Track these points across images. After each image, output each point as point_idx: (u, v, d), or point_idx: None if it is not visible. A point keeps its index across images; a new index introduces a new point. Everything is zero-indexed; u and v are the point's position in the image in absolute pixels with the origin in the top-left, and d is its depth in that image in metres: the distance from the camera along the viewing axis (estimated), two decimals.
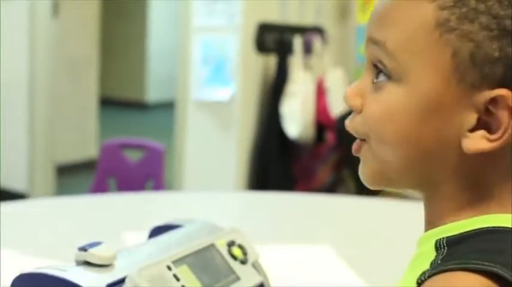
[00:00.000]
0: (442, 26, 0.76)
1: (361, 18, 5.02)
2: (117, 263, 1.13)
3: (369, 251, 2.02)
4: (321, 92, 4.53)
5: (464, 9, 0.75)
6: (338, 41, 5.24)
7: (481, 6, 0.75)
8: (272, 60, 4.63)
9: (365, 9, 4.98)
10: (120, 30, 10.49)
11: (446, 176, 0.79)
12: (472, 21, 0.75)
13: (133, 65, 10.62)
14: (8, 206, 2.27)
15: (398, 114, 0.78)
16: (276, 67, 4.57)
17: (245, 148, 4.56)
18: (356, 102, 0.83)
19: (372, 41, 0.81)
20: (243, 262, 1.29)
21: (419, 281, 0.74)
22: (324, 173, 4.48)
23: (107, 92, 9.33)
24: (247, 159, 4.58)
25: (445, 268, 0.72)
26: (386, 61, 0.79)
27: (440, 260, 0.74)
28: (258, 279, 1.30)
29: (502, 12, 0.75)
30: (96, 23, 6.86)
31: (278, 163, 4.49)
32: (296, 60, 4.51)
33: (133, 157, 3.51)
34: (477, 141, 0.75)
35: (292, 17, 4.79)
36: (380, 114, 0.80)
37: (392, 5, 0.80)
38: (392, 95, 0.79)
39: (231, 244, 1.29)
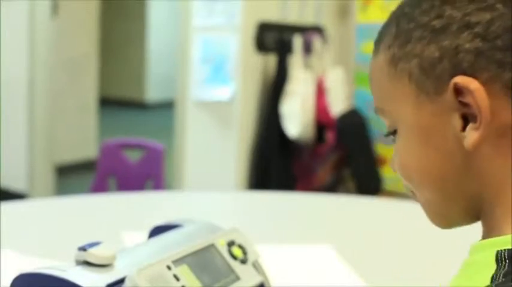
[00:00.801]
0: (392, 61, 0.83)
1: (361, 18, 5.02)
2: (117, 263, 1.13)
3: (368, 251, 2.02)
4: (320, 91, 4.53)
5: (401, 36, 0.83)
6: (338, 40, 5.24)
7: (411, 25, 0.82)
8: (272, 59, 4.63)
9: (365, 8, 4.98)
10: (120, 29, 10.49)
11: (482, 184, 0.79)
12: (409, 41, 0.81)
13: (133, 64, 10.63)
14: (8, 206, 2.26)
15: (408, 157, 0.84)
16: (276, 67, 4.57)
17: (245, 147, 4.56)
18: (393, 164, 0.89)
19: (374, 110, 0.89)
20: (243, 262, 1.28)
21: None
22: (324, 173, 4.48)
23: (107, 92, 9.34)
24: (247, 159, 4.58)
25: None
26: (385, 120, 0.87)
27: (503, 277, 0.71)
28: (258, 279, 1.30)
29: (427, 18, 0.80)
30: (96, 22, 6.86)
31: (278, 162, 4.49)
32: (296, 60, 4.51)
33: (133, 156, 3.51)
34: (471, 136, 0.77)
35: (292, 16, 4.79)
36: (399, 165, 0.86)
37: (370, 73, 0.89)
38: (399, 144, 0.85)
39: (231, 244, 1.29)
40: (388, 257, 1.95)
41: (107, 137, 4.16)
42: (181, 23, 4.83)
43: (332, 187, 4.37)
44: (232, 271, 1.25)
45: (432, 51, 0.79)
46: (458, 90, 0.77)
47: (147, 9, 10.53)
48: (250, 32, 4.51)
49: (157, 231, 1.37)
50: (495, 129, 0.77)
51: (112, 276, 1.09)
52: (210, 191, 3.94)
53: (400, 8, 0.86)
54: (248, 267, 1.29)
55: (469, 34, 0.77)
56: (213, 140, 4.63)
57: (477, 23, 0.77)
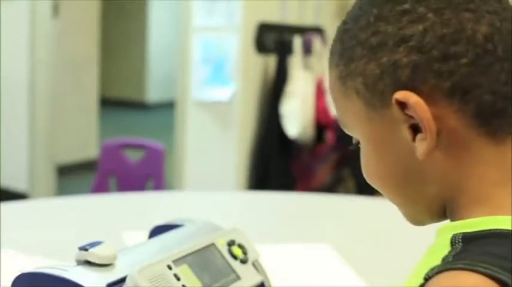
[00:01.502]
0: (340, 79, 0.86)
1: None
2: (118, 263, 1.13)
3: (368, 251, 2.03)
4: (320, 92, 4.53)
5: (345, 55, 0.85)
6: None
7: (353, 42, 0.84)
8: (272, 60, 4.63)
9: None
10: (120, 30, 10.49)
11: (440, 187, 0.83)
12: (352, 59, 0.84)
13: (133, 65, 10.63)
14: (9, 206, 2.27)
15: (369, 166, 0.88)
16: (276, 67, 4.58)
17: (245, 147, 4.57)
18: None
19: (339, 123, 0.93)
20: (243, 262, 1.29)
21: (426, 277, 0.74)
22: (324, 173, 4.49)
23: (107, 92, 9.34)
24: (247, 159, 4.58)
25: (453, 266, 0.73)
26: (347, 132, 0.91)
27: (452, 257, 0.75)
28: (258, 278, 1.30)
29: (365, 35, 0.83)
30: (96, 23, 6.86)
31: (278, 162, 4.49)
32: (296, 60, 4.52)
33: (133, 156, 3.52)
34: (420, 146, 0.80)
35: (292, 17, 4.79)
36: (364, 173, 0.90)
37: (329, 88, 0.92)
38: (362, 154, 0.89)
39: (231, 244, 1.30)
40: (387, 256, 1.96)
41: (107, 137, 4.16)
42: (182, 23, 4.84)
43: (332, 187, 4.37)
44: (232, 270, 1.26)
45: (373, 68, 0.82)
46: (402, 104, 0.80)
47: (148, 10, 10.53)
48: (250, 33, 4.52)
49: (157, 231, 1.37)
50: (445, 136, 0.80)
51: (113, 276, 1.10)
52: (210, 191, 3.95)
53: (343, 23, 0.89)
54: (248, 267, 1.30)
55: (404, 48, 0.80)
56: (213, 140, 4.63)
57: (411, 36, 0.80)
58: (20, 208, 2.36)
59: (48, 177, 5.60)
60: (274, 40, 4.57)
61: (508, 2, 0.83)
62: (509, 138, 0.81)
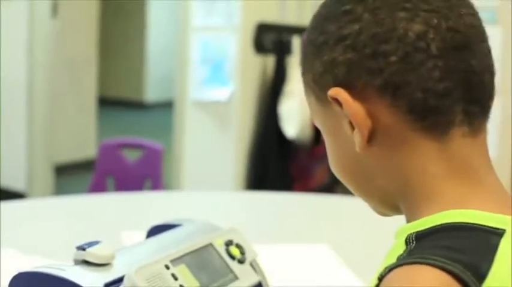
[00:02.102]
0: (302, 75, 0.91)
1: None
2: (116, 263, 1.13)
3: (366, 251, 2.03)
4: None
5: (302, 53, 0.90)
6: None
7: (307, 41, 0.89)
8: (270, 60, 4.63)
9: None
10: (119, 30, 10.49)
11: (387, 180, 0.85)
12: (306, 57, 0.89)
13: (132, 64, 10.62)
14: (7, 206, 2.27)
15: (329, 157, 0.91)
16: (275, 67, 4.58)
17: (243, 147, 4.57)
18: None
19: None
20: (241, 261, 1.29)
21: (379, 277, 0.76)
22: (322, 174, 4.49)
23: (106, 92, 9.33)
24: (245, 159, 4.58)
25: (404, 261, 0.75)
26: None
27: (406, 254, 0.77)
28: (255, 278, 1.30)
29: (314, 35, 0.87)
30: (95, 22, 6.86)
31: (276, 162, 4.49)
32: (294, 61, 4.51)
33: (131, 156, 3.52)
34: (356, 140, 0.83)
35: (290, 17, 4.79)
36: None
37: None
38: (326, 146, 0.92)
39: (229, 244, 1.30)
40: (383, 256, 1.96)
41: (105, 137, 4.17)
42: (180, 23, 4.84)
43: (329, 187, 4.37)
44: (230, 270, 1.26)
45: (318, 66, 0.86)
46: (337, 101, 0.83)
47: (146, 10, 10.52)
48: (249, 33, 4.52)
49: (155, 231, 1.38)
50: (381, 132, 0.82)
51: (110, 275, 1.10)
52: (208, 191, 3.95)
53: (309, 22, 0.91)
54: (246, 267, 1.30)
55: (341, 47, 0.83)
56: (211, 140, 4.63)
57: (348, 35, 0.83)
58: (18, 208, 2.36)
59: (46, 176, 5.60)
60: (273, 40, 4.57)
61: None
62: (451, 133, 0.81)
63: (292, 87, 4.45)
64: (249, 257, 1.31)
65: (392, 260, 0.77)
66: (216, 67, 4.52)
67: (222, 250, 1.28)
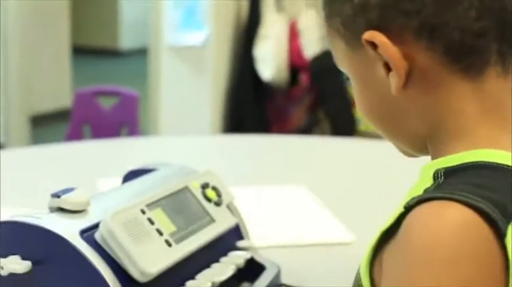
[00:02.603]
0: (326, 19, 0.89)
1: None
2: (91, 209, 1.13)
3: (344, 191, 2.03)
4: (294, 34, 4.51)
5: None
6: None
7: None
8: (244, 3, 4.60)
9: None
10: None
11: (418, 122, 0.85)
12: (332, 1, 0.87)
13: (105, 11, 10.51)
14: None
15: (357, 100, 0.91)
16: (249, 10, 4.54)
17: (219, 91, 4.56)
18: None
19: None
20: (218, 204, 1.29)
21: (406, 205, 0.75)
22: (299, 115, 4.49)
23: (80, 40, 9.24)
24: (221, 103, 4.57)
25: (431, 195, 0.74)
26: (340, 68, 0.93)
27: (434, 189, 0.77)
28: (233, 221, 1.31)
29: None
30: None
31: (252, 105, 4.49)
32: (268, 3, 4.48)
33: (107, 104, 3.50)
34: (393, 82, 0.82)
35: None
36: (357, 107, 0.92)
37: None
38: (353, 89, 0.91)
39: (205, 186, 1.30)
40: (363, 197, 1.97)
41: (81, 86, 4.14)
42: None
43: (307, 129, 4.37)
44: (206, 213, 1.26)
45: (347, 9, 0.84)
46: (373, 44, 0.82)
47: None
48: None
49: (131, 176, 1.37)
50: (417, 74, 0.82)
51: (86, 221, 1.09)
52: (185, 135, 3.94)
53: None
54: (223, 209, 1.30)
55: None
56: (187, 85, 4.61)
57: None
58: None
59: (22, 127, 5.57)
60: None
61: None
62: (486, 73, 0.81)
63: (267, 30, 4.42)
64: (225, 199, 1.31)
65: (419, 192, 0.77)
66: (189, 11, 4.48)
67: (198, 193, 1.28)
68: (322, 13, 0.90)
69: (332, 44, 0.90)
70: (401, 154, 0.94)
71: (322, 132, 4.34)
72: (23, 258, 1.06)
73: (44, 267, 1.06)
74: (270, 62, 4.37)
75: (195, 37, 4.51)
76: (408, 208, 0.75)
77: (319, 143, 2.83)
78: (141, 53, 7.75)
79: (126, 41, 10.52)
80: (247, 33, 4.53)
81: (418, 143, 0.88)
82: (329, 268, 1.51)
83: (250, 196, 1.87)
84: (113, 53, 10.35)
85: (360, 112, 0.91)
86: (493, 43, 0.81)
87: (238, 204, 1.37)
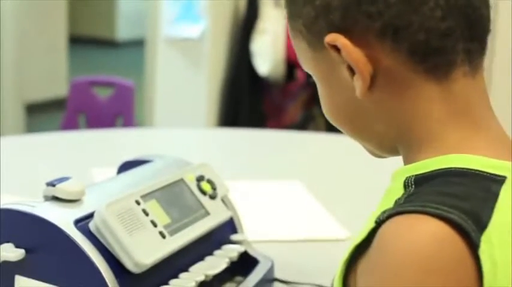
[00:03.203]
0: (288, 20, 0.87)
1: None
2: (86, 198, 1.13)
3: (338, 187, 2.04)
4: None
5: None
6: None
7: None
8: None
9: None
10: None
11: (385, 125, 0.83)
12: (293, 2, 0.85)
13: (103, 2, 10.49)
14: None
15: (322, 102, 0.89)
16: (247, 4, 4.54)
17: (215, 85, 4.55)
18: None
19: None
20: (212, 197, 1.29)
21: (377, 220, 0.74)
22: (294, 111, 4.49)
23: (77, 30, 9.23)
24: (217, 96, 4.57)
25: (402, 209, 0.73)
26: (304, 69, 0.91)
27: (404, 200, 0.75)
28: (227, 214, 1.31)
29: None
30: None
31: (248, 100, 4.48)
32: None
33: (103, 94, 3.49)
34: (357, 86, 0.81)
35: None
36: (322, 108, 0.90)
37: None
38: (318, 91, 0.89)
39: (200, 179, 1.29)
40: (357, 193, 1.97)
41: (77, 76, 4.13)
42: None
43: (302, 125, 4.37)
44: (201, 206, 1.26)
45: (309, 11, 0.82)
46: (335, 47, 0.80)
47: None
48: None
49: (126, 167, 1.37)
50: (383, 76, 0.80)
51: (81, 211, 1.09)
52: (181, 128, 3.94)
53: None
54: (217, 202, 1.30)
55: None
56: (183, 78, 4.61)
57: None
58: None
59: (17, 115, 5.55)
60: None
61: None
62: (453, 74, 0.80)
63: (265, 25, 4.42)
64: (220, 192, 1.31)
65: (390, 203, 0.76)
66: (187, 4, 4.48)
67: (193, 185, 1.27)
68: (285, 13, 0.88)
69: (296, 45, 0.88)
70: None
71: (317, 129, 4.34)
72: (17, 246, 1.06)
73: (38, 255, 1.06)
74: (266, 56, 4.37)
75: (192, 30, 4.50)
76: (379, 223, 0.74)
77: (314, 139, 2.83)
78: (137, 45, 7.73)
79: (123, 32, 10.51)
80: (244, 27, 4.52)
81: (386, 144, 0.87)
82: (322, 263, 1.51)
83: (244, 190, 1.87)
84: (109, 44, 10.34)
85: (326, 114, 0.89)
86: (459, 42, 0.79)
87: (233, 198, 1.37)
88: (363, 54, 0.79)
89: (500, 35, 3.45)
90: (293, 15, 0.86)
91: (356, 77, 0.80)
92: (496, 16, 3.48)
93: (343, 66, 0.81)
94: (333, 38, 0.80)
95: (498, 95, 3.38)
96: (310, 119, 4.44)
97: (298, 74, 4.48)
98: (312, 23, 0.83)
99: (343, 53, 0.79)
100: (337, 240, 1.63)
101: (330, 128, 3.67)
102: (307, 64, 0.88)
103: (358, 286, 0.76)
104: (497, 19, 3.47)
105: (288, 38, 4.41)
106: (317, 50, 0.84)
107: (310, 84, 4.38)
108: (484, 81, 0.84)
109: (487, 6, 0.82)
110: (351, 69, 0.80)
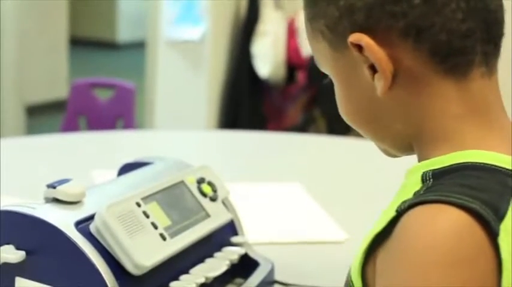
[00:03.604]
0: (308, 21, 0.89)
1: None
2: (86, 200, 1.13)
3: (338, 190, 2.04)
4: (292, 32, 4.51)
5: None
6: None
7: None
8: None
9: None
10: None
11: (404, 124, 0.85)
12: (316, 2, 0.87)
13: (103, 3, 10.50)
14: None
15: (340, 102, 0.90)
16: (247, 6, 4.54)
17: (216, 87, 4.55)
18: None
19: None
20: (213, 199, 1.29)
21: (398, 209, 0.76)
22: (295, 113, 4.49)
23: (77, 32, 9.23)
24: (218, 98, 4.57)
25: (424, 198, 0.74)
26: (322, 70, 0.92)
27: (424, 191, 0.77)
28: (227, 216, 1.31)
29: None
30: None
31: (249, 102, 4.48)
32: (267, 0, 4.48)
33: (103, 96, 3.49)
34: (378, 85, 0.82)
35: None
36: (339, 110, 0.91)
37: None
38: (335, 91, 0.91)
39: (200, 181, 1.29)
40: (357, 195, 1.97)
41: (77, 78, 4.13)
42: None
43: (302, 127, 4.37)
44: (202, 208, 1.26)
45: (333, 11, 0.84)
46: (358, 46, 0.82)
47: None
48: None
49: (126, 169, 1.37)
50: (403, 75, 0.82)
51: (81, 213, 1.09)
52: (181, 130, 3.94)
53: None
54: (218, 204, 1.30)
55: None
56: (184, 80, 4.61)
57: None
58: None
59: (17, 117, 5.55)
60: None
61: None
62: (471, 74, 0.82)
63: (265, 27, 4.42)
64: (221, 195, 1.31)
65: (408, 195, 0.77)
66: (188, 5, 4.48)
67: (193, 187, 1.27)
68: (304, 15, 0.90)
69: (314, 46, 0.90)
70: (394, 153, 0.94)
71: (318, 131, 4.34)
72: (17, 248, 1.06)
73: (38, 257, 1.06)
74: (267, 59, 4.37)
75: (192, 32, 4.50)
76: (401, 212, 0.75)
77: (315, 141, 2.83)
78: (138, 47, 7.74)
79: (124, 34, 10.51)
80: (245, 30, 4.52)
81: (403, 143, 0.88)
82: (322, 265, 1.51)
83: (245, 192, 1.87)
84: (110, 46, 10.34)
85: (343, 114, 0.91)
86: (478, 44, 0.81)
87: (233, 200, 1.37)
88: (385, 53, 0.81)
89: None
90: (314, 16, 0.87)
91: (378, 76, 0.82)
92: None
93: (364, 66, 0.83)
94: (357, 37, 0.82)
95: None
96: (310, 121, 4.44)
97: (299, 77, 4.49)
98: (335, 24, 0.84)
99: (367, 52, 0.81)
100: (336, 242, 1.63)
101: (331, 131, 3.68)
102: (326, 65, 0.89)
103: (379, 276, 0.77)
104: None
105: (288, 40, 4.42)
106: (338, 50, 0.85)
107: (310, 87, 4.39)
108: (498, 82, 0.86)
109: (502, 9, 0.84)
110: (372, 68, 0.82)
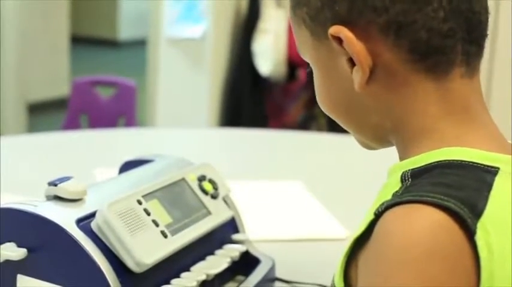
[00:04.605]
0: (292, 8, 0.89)
1: None
2: (88, 198, 1.13)
3: (339, 187, 2.04)
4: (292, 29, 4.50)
5: None
6: None
7: None
8: None
9: None
10: None
11: (381, 118, 0.85)
12: None
13: (105, 2, 10.50)
14: None
15: (319, 92, 0.90)
16: (248, 4, 4.54)
17: (217, 85, 4.55)
18: None
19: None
20: (214, 197, 1.29)
21: (376, 212, 0.76)
22: (296, 111, 4.49)
23: (79, 30, 9.23)
24: (219, 96, 4.57)
25: (400, 199, 0.74)
26: (304, 58, 0.92)
27: (402, 192, 0.77)
28: (228, 213, 1.31)
29: None
30: None
31: (250, 100, 4.48)
32: None
33: (105, 94, 3.50)
34: (356, 78, 0.82)
35: None
36: (317, 100, 0.92)
37: None
38: (314, 80, 0.91)
39: (201, 179, 1.30)
40: (359, 193, 1.97)
41: (79, 76, 4.13)
42: None
43: (304, 125, 4.37)
44: (203, 205, 1.26)
45: (315, 0, 0.84)
46: (338, 38, 0.82)
47: None
48: None
49: (128, 166, 1.37)
50: (381, 70, 0.81)
51: (82, 210, 1.09)
52: (183, 128, 3.94)
53: None
54: (219, 202, 1.30)
55: None
56: (185, 78, 4.61)
57: None
58: None
59: (19, 115, 5.56)
60: None
61: None
62: (451, 74, 0.81)
63: (266, 25, 4.42)
64: (222, 192, 1.31)
65: (388, 196, 0.77)
66: (189, 4, 4.48)
67: (194, 185, 1.28)
68: (289, 1, 0.90)
69: (296, 33, 0.90)
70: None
71: (319, 129, 4.34)
72: (19, 245, 1.06)
73: (40, 255, 1.06)
74: (268, 56, 4.37)
75: (194, 30, 4.50)
76: (378, 214, 0.75)
77: (316, 139, 2.83)
78: (139, 45, 7.74)
79: (125, 32, 10.51)
80: (246, 28, 4.52)
81: (381, 137, 0.88)
82: (323, 263, 1.51)
83: (246, 190, 1.88)
84: (111, 44, 10.34)
85: (320, 103, 0.91)
86: (459, 44, 0.81)
87: (234, 197, 1.37)
88: (364, 47, 0.80)
89: (500, 35, 3.45)
90: (298, 3, 0.87)
91: (355, 69, 0.82)
92: (497, 17, 3.48)
93: (343, 58, 0.83)
94: (337, 29, 0.81)
95: (498, 95, 3.38)
96: (311, 119, 4.44)
97: (300, 74, 4.48)
98: (317, 13, 0.84)
99: (346, 45, 0.81)
100: (337, 239, 1.63)
101: (332, 128, 3.68)
102: (307, 52, 0.89)
103: (360, 277, 0.77)
104: (498, 20, 3.47)
105: (289, 38, 4.42)
106: (319, 39, 0.85)
107: (311, 83, 4.39)
108: (480, 83, 0.85)
109: (486, 11, 0.84)
110: (350, 61, 0.82)
